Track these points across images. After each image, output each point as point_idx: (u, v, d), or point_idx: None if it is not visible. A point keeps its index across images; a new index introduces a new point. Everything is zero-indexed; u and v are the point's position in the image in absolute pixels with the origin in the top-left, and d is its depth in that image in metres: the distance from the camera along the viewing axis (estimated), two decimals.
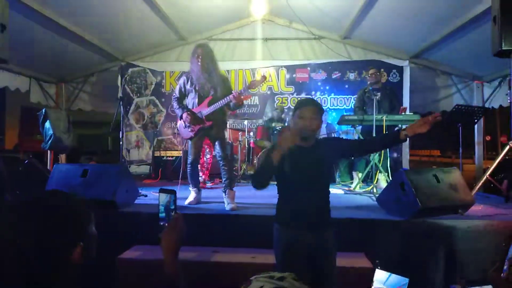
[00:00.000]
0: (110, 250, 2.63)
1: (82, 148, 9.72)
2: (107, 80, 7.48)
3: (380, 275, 1.14)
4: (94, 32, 6.05)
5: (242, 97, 3.73)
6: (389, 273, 1.13)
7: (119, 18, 5.80)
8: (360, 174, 5.35)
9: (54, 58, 6.48)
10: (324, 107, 7.04)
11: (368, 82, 5.43)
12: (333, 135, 6.65)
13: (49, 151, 5.79)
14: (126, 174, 3.70)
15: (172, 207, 1.37)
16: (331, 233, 2.18)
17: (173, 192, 1.38)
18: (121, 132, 4.90)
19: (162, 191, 1.40)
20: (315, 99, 2.44)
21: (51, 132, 4.91)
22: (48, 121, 4.97)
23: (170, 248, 1.31)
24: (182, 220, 1.36)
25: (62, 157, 6.81)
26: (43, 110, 5.07)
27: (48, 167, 5.77)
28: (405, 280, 1.08)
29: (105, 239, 2.75)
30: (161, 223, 1.37)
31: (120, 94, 5.06)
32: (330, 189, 2.28)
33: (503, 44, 3.65)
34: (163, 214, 1.38)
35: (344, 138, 2.74)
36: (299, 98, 7.19)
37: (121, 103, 4.90)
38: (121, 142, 4.80)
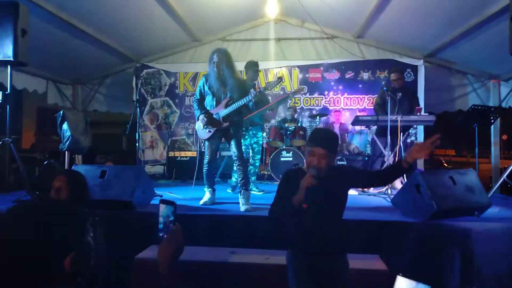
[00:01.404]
0: (129, 250, 2.69)
1: (97, 148, 9.86)
2: (122, 82, 7.62)
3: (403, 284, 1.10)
4: (110, 34, 6.16)
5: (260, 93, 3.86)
6: (414, 282, 1.10)
7: (134, 20, 5.89)
8: None
9: (71, 60, 6.61)
10: (337, 108, 7.08)
11: (392, 85, 5.36)
12: (345, 151, 6.61)
13: (66, 152, 5.89)
14: (142, 175, 3.76)
15: (172, 218, 1.31)
16: (344, 258, 2.19)
17: (172, 204, 1.33)
18: (137, 133, 4.96)
19: (162, 201, 1.35)
20: (331, 132, 2.41)
21: (69, 133, 4.98)
22: (66, 122, 5.04)
23: (166, 261, 1.26)
24: (181, 233, 1.31)
25: (78, 157, 6.92)
26: (61, 112, 5.14)
27: (65, 168, 5.86)
28: None
29: (123, 240, 2.81)
30: (160, 234, 1.32)
31: (136, 97, 5.12)
32: None
33: None
34: (162, 225, 1.33)
35: (356, 169, 2.74)
36: (312, 98, 7.21)
37: (137, 105, 4.95)
38: (137, 144, 4.85)
